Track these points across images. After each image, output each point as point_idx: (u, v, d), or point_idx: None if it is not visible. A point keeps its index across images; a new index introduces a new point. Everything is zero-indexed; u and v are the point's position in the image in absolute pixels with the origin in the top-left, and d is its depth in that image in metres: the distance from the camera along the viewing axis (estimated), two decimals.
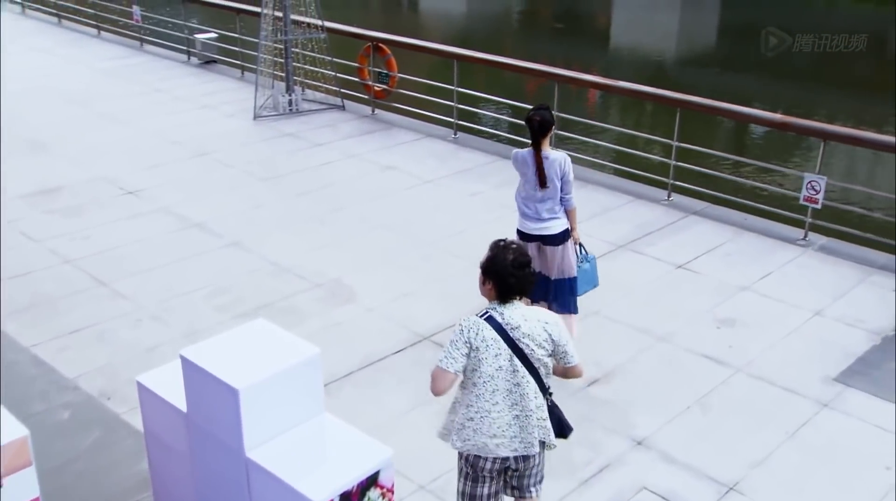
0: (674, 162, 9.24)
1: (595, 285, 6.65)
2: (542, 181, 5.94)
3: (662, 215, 8.93)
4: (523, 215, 6.18)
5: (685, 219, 8.88)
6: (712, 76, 23.67)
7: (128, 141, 11.03)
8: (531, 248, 6.03)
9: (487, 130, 11.17)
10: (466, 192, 9.48)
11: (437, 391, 3.88)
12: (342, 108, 12.33)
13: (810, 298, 7.33)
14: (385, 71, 11.87)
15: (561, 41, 27.42)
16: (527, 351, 3.89)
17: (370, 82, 12.10)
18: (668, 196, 9.30)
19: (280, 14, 11.83)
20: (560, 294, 6.32)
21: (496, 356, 3.86)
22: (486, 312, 3.92)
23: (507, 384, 3.91)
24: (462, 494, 4.15)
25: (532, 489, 4.19)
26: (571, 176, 6.05)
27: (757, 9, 31.07)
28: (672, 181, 9.27)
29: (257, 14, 12.23)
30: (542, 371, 3.98)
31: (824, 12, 30.81)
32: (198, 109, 12.37)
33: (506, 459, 4.00)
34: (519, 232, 6.21)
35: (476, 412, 3.94)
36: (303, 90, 12.83)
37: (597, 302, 7.20)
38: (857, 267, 7.88)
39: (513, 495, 4.24)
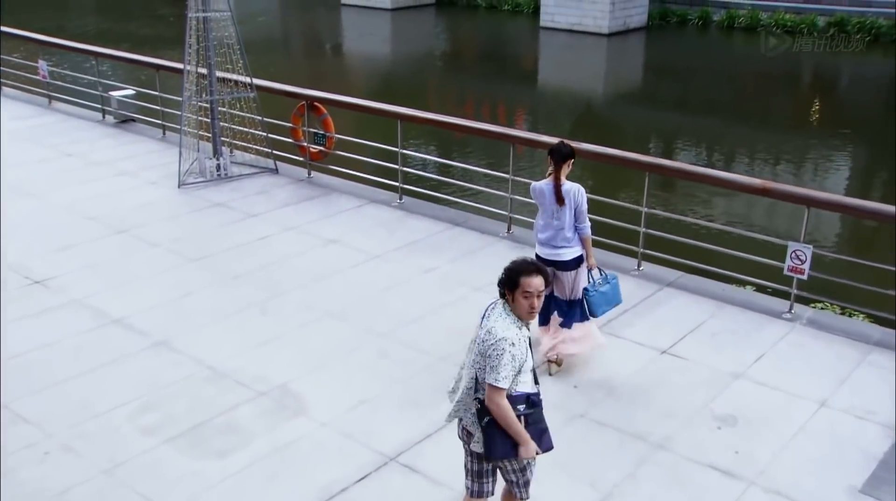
0: (643, 229, 8.51)
1: (618, 302, 6.97)
2: (559, 198, 6.49)
3: (635, 289, 8.16)
4: (540, 242, 6.74)
5: (660, 292, 8.14)
6: (639, 113, 23.93)
7: (35, 217, 9.82)
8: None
9: (437, 195, 10.27)
10: (420, 268, 8.57)
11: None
12: (275, 171, 11.33)
13: (811, 385, 6.63)
14: (321, 131, 10.93)
15: (489, 82, 27.00)
16: (471, 345, 4.39)
17: (305, 143, 11.14)
18: (639, 266, 8.56)
19: (204, 71, 10.82)
20: (572, 313, 6.79)
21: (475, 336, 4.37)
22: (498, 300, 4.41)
23: (469, 360, 4.39)
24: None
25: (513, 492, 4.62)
26: (585, 206, 6.58)
27: (679, 50, 31.44)
28: (642, 250, 8.53)
29: (179, 71, 11.18)
30: (476, 369, 4.31)
31: (744, 53, 31.23)
32: (115, 177, 11.20)
33: (462, 428, 4.49)
34: (537, 256, 6.62)
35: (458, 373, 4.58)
36: (231, 152, 11.81)
37: (580, 402, 6.40)
38: (853, 344, 7.22)
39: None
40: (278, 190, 10.75)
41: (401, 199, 10.37)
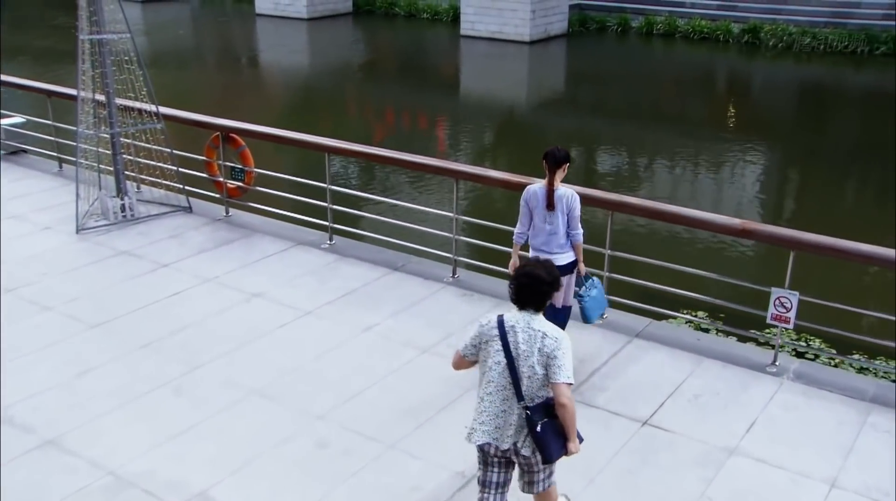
0: (607, 274, 7.56)
1: (606, 305, 7.00)
2: (550, 202, 6.31)
3: (602, 342, 7.21)
4: (533, 247, 6.54)
5: (629, 345, 7.19)
6: (563, 119, 23.59)
7: None
8: None
9: (371, 235, 9.11)
10: (358, 325, 7.43)
11: (454, 367, 4.71)
12: (189, 210, 10.01)
13: (815, 460, 5.75)
14: (239, 166, 9.67)
15: (411, 91, 25.98)
16: (515, 356, 4.27)
17: (221, 179, 9.86)
18: (603, 315, 7.59)
19: (103, 98, 9.44)
20: (563, 320, 6.56)
21: (496, 351, 4.32)
22: (504, 313, 4.43)
23: (502, 379, 4.32)
24: (477, 478, 4.66)
25: (534, 488, 4.57)
26: (578, 212, 6.40)
27: (600, 56, 30.97)
28: (608, 297, 7.56)
29: (73, 97, 9.77)
30: (524, 381, 4.28)
31: (663, 57, 31.04)
32: (2, 221, 9.71)
33: (507, 449, 4.38)
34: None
35: (477, 399, 4.46)
36: (138, 188, 10.44)
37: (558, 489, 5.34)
38: (849, 403, 6.39)
39: (522, 489, 4.63)
40: (193, 233, 9.45)
41: (331, 240, 9.19)
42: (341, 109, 24.37)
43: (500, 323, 4.34)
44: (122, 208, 9.68)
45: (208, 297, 7.94)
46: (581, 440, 4.49)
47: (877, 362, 6.96)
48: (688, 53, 30.91)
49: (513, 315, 4.37)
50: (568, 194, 6.39)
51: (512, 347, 4.27)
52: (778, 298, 6.70)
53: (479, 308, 7.74)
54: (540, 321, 4.33)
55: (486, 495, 4.56)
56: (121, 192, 9.76)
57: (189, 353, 6.95)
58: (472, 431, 4.42)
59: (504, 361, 4.28)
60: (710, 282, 8.01)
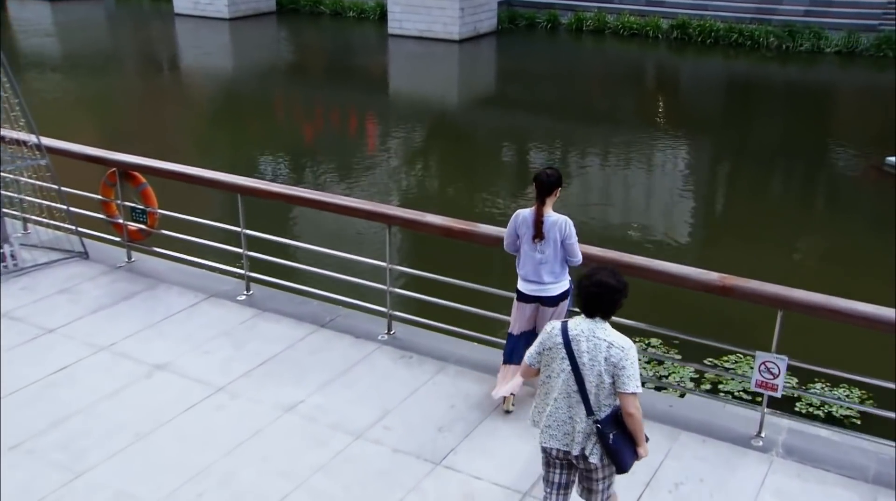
0: None
1: None
2: (539, 232, 5.84)
3: None
4: (521, 276, 6.05)
5: None
6: (493, 117, 23.09)
7: None
8: (528, 309, 6.09)
9: (295, 286, 7.85)
10: (279, 404, 6.22)
11: (524, 378, 4.91)
12: (84, 255, 8.62)
13: None
14: (140, 206, 8.32)
15: (339, 93, 24.69)
16: (580, 366, 4.19)
17: (121, 220, 8.49)
18: None
19: None
20: None
21: (561, 359, 4.25)
22: (567, 320, 4.34)
23: (567, 387, 4.25)
24: (542, 476, 4.60)
25: (593, 497, 4.45)
26: (574, 238, 5.90)
27: (531, 53, 30.09)
28: None
29: None
30: (591, 390, 4.19)
31: (591, 53, 30.35)
32: None
33: (567, 452, 4.31)
34: (518, 292, 6.10)
35: (541, 402, 4.42)
36: (26, 229, 9.00)
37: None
38: (851, 485, 5.45)
39: (581, 495, 4.52)
40: (88, 285, 8.07)
41: (248, 291, 7.94)
42: (268, 113, 22.94)
43: (565, 331, 4.26)
44: (3, 258, 8.26)
45: (101, 372, 6.61)
46: (647, 439, 4.39)
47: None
48: (618, 50, 30.26)
49: (577, 323, 4.28)
50: (561, 220, 5.84)
51: (577, 356, 4.20)
52: (763, 363, 5.73)
53: (420, 374, 6.62)
54: (605, 330, 4.22)
55: (549, 493, 4.53)
56: (0, 238, 8.33)
57: (72, 454, 5.65)
58: (541, 433, 4.40)
59: (569, 368, 4.22)
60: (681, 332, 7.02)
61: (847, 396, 9.89)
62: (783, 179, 18.80)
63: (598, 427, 4.20)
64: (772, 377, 5.71)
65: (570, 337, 4.23)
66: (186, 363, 6.74)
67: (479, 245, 6.62)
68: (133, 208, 8.36)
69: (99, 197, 8.56)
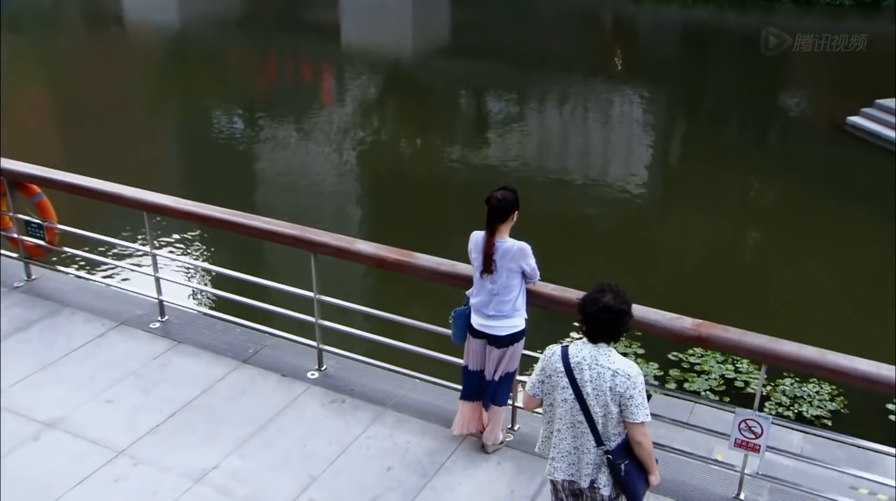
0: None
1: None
2: (487, 267, 4.99)
3: (512, 482, 5.24)
4: (473, 307, 5.19)
5: (546, 488, 5.24)
6: (448, 66, 22.46)
7: None
8: (477, 345, 5.25)
9: (214, 314, 6.77)
10: (189, 471, 5.23)
11: (527, 408, 4.47)
12: None
13: None
14: (37, 220, 7.16)
15: (291, 44, 23.33)
16: (585, 396, 3.88)
17: (15, 235, 7.33)
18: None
19: None
20: (496, 395, 5.31)
21: (563, 388, 3.94)
22: (568, 344, 3.99)
23: (571, 417, 3.95)
24: None
25: None
26: (532, 262, 5.05)
27: (485, 7, 28.73)
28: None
29: None
30: (598, 421, 3.89)
31: (548, 3, 29.07)
32: None
33: (573, 482, 4.05)
34: (469, 324, 5.25)
35: (545, 431, 4.14)
36: None
37: None
38: None
39: None
40: None
41: (163, 316, 6.89)
42: (222, 63, 21.65)
43: (565, 357, 3.95)
44: None
45: None
46: (657, 461, 4.08)
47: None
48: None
49: (578, 348, 3.96)
50: (514, 248, 4.98)
51: (579, 384, 3.90)
52: (743, 421, 4.86)
53: (354, 424, 5.66)
54: (609, 357, 3.90)
55: None
56: None
57: None
58: (548, 464, 4.11)
59: (572, 398, 3.92)
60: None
61: (817, 393, 9.20)
62: (736, 137, 18.06)
63: (609, 458, 3.92)
64: (753, 436, 4.84)
65: (572, 365, 3.91)
66: (84, 418, 5.71)
67: (415, 278, 5.60)
68: (28, 222, 7.21)
69: None
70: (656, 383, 9.18)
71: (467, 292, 5.25)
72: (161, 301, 6.82)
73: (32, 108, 19.08)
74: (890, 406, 8.82)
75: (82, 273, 7.30)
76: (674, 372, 9.39)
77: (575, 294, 5.11)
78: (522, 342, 5.21)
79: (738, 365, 9.48)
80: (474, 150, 16.74)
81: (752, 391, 9.04)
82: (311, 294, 6.03)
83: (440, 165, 15.68)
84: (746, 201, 15.11)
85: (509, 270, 5.00)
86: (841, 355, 4.52)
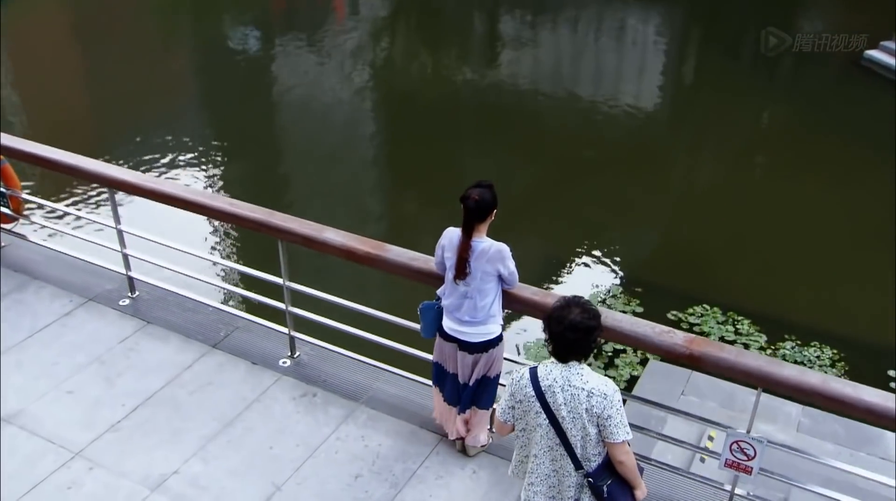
0: None
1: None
2: (460, 272, 4.40)
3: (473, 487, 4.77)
4: (445, 309, 4.61)
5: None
6: None
7: None
8: (447, 348, 4.66)
9: (186, 294, 6.19)
10: (146, 478, 4.79)
11: (500, 434, 3.89)
12: None
13: None
14: (1, 189, 6.57)
15: None
16: (559, 419, 3.52)
17: None
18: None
19: None
20: (477, 399, 4.77)
21: (537, 413, 3.57)
22: (536, 365, 3.63)
23: (548, 441, 3.61)
24: None
25: None
26: (511, 266, 4.46)
27: None
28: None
29: None
30: (576, 444, 3.54)
31: None
32: None
33: None
34: (439, 326, 4.69)
35: (520, 454, 3.81)
36: None
37: None
38: None
39: None
40: None
41: (133, 292, 6.37)
42: None
43: (535, 380, 3.56)
44: None
45: None
46: (642, 470, 3.76)
47: None
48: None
49: (548, 370, 3.56)
50: (491, 250, 4.40)
51: (553, 409, 3.52)
52: (736, 442, 4.32)
53: (324, 423, 5.19)
54: (581, 376, 3.52)
55: None
56: None
57: None
58: (524, 489, 3.78)
59: (546, 423, 3.55)
60: None
61: (818, 357, 8.65)
62: (749, 68, 16.99)
63: (589, 481, 3.60)
64: (746, 458, 4.31)
65: (543, 388, 3.53)
66: (42, 412, 5.26)
67: (385, 273, 5.01)
68: None
69: None
70: (629, 393, 8.69)
71: (438, 292, 4.68)
72: (130, 277, 6.28)
73: (46, 22, 18.48)
74: (891, 373, 8.29)
75: (53, 244, 6.71)
76: None
77: (556, 299, 4.53)
78: (501, 346, 4.67)
79: (738, 327, 8.94)
80: (488, 68, 16.07)
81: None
82: (279, 281, 5.46)
83: (451, 82, 15.11)
84: (754, 131, 14.28)
85: (484, 272, 4.42)
86: (845, 382, 3.95)
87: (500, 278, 4.50)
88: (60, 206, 6.36)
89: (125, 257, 6.19)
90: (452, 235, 4.52)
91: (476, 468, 4.91)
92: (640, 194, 12.10)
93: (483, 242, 4.43)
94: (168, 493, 4.71)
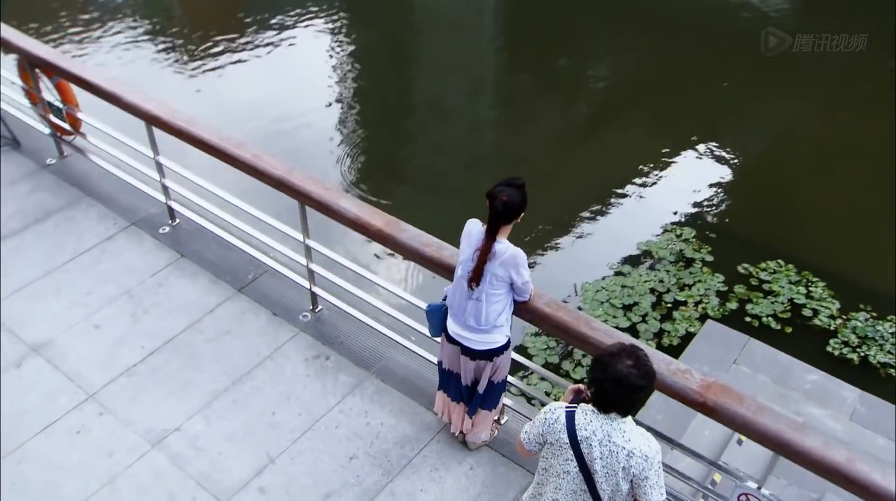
0: None
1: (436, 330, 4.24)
2: (476, 278, 3.79)
3: None
4: (451, 310, 4.04)
5: None
6: None
7: None
8: (451, 350, 4.14)
9: (221, 235, 5.77)
10: (149, 431, 4.61)
11: (520, 454, 3.41)
12: (15, 144, 6.75)
13: None
14: (58, 104, 6.23)
15: None
16: (592, 472, 3.08)
17: (42, 113, 6.47)
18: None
19: None
20: (484, 402, 4.27)
21: (566, 460, 3.13)
22: (574, 409, 3.10)
23: (573, 486, 3.18)
24: None
25: None
26: (526, 277, 3.82)
27: None
28: None
29: None
30: (604, 497, 3.11)
31: None
32: None
33: None
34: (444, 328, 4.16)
35: (535, 490, 3.37)
36: None
37: None
38: None
39: None
40: (5, 194, 6.30)
41: (173, 220, 6.03)
42: None
43: (571, 426, 3.08)
44: None
45: None
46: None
47: None
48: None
49: (588, 419, 3.07)
50: (507, 255, 3.77)
51: (587, 461, 3.07)
52: (744, 494, 3.65)
53: (331, 391, 4.83)
54: (624, 433, 3.02)
55: None
56: None
57: None
58: None
59: (576, 470, 3.12)
60: None
61: (893, 334, 7.59)
62: None
63: None
64: None
65: (579, 438, 3.06)
66: (68, 345, 5.12)
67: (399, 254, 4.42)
68: (50, 104, 6.30)
69: (20, 84, 6.49)
70: (716, 301, 7.85)
71: (445, 289, 4.07)
72: (170, 207, 5.93)
73: None
74: None
75: (106, 164, 6.39)
76: (739, 289, 7.96)
77: (570, 316, 3.85)
78: (507, 353, 4.09)
79: (811, 290, 7.93)
80: None
81: (819, 323, 7.56)
82: (300, 237, 4.96)
83: None
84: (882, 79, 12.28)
85: (494, 275, 3.80)
86: (874, 465, 3.16)
87: (512, 287, 3.85)
88: (110, 129, 5.94)
89: (164, 186, 5.81)
90: (473, 229, 3.89)
91: (474, 463, 4.46)
92: (737, 120, 10.81)
93: (500, 243, 3.79)
94: (166, 451, 4.51)
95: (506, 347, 4.04)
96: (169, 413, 4.71)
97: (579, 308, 7.83)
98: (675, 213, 9.11)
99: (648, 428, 3.33)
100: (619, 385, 2.92)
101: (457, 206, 8.50)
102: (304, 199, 4.66)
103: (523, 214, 3.78)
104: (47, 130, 6.64)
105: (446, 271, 4.13)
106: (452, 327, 4.07)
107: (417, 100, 11.73)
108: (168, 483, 4.35)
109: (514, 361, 4.29)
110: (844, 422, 6.54)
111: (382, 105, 11.31)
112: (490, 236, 3.77)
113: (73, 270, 5.66)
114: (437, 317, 4.15)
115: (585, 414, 3.09)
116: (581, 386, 3.33)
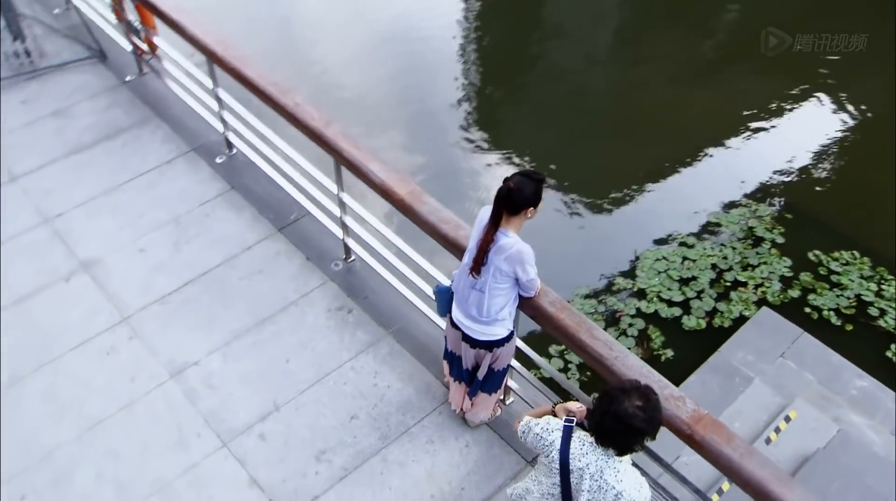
0: None
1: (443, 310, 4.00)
2: (476, 265, 3.52)
3: None
4: (456, 297, 3.79)
5: None
6: None
7: None
8: (453, 334, 3.90)
9: (268, 173, 5.61)
10: (171, 362, 4.66)
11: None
12: (101, 56, 6.76)
13: None
14: (137, 25, 6.13)
15: None
16: (573, 498, 2.88)
17: (125, 30, 6.41)
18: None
19: None
20: (485, 386, 4.04)
21: (553, 484, 2.94)
22: (572, 430, 2.89)
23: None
24: None
25: None
26: (532, 274, 3.50)
27: None
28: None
29: None
30: None
31: None
32: None
33: None
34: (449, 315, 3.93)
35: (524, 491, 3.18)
36: (68, 5, 7.12)
37: None
38: None
39: None
40: (84, 106, 6.36)
41: (230, 149, 5.92)
42: None
43: (564, 454, 2.85)
44: (18, 55, 6.59)
45: (25, 261, 5.22)
46: None
47: None
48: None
49: (584, 450, 2.85)
50: (512, 249, 3.45)
51: (573, 490, 2.87)
52: None
53: (347, 347, 4.72)
54: (617, 472, 2.79)
55: None
56: (17, 34, 6.58)
57: None
58: None
59: (559, 492, 2.93)
60: None
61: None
62: None
63: None
64: None
65: (571, 467, 2.85)
66: (114, 265, 5.19)
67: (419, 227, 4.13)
68: (130, 23, 6.22)
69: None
70: (779, 286, 7.22)
71: (454, 272, 3.79)
72: (226, 137, 5.82)
73: None
74: None
75: (176, 88, 6.31)
76: (804, 277, 7.27)
77: (573, 319, 3.51)
78: (510, 344, 3.81)
79: (883, 288, 7.15)
80: None
81: (884, 325, 6.84)
82: (334, 190, 4.75)
83: None
84: None
85: (497, 269, 3.51)
86: None
87: (518, 283, 3.54)
88: (178, 55, 5.82)
89: (222, 118, 5.69)
90: (484, 215, 3.58)
91: (471, 441, 4.28)
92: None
93: (508, 237, 3.48)
94: (183, 384, 4.55)
95: (507, 339, 3.77)
96: (191, 347, 4.73)
97: (635, 275, 7.39)
98: (760, 183, 8.35)
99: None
100: (619, 422, 2.70)
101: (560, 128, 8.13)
102: (336, 155, 4.42)
103: (535, 210, 3.43)
104: (129, 48, 6.63)
105: (459, 251, 3.85)
106: (456, 313, 3.82)
107: (546, 23, 11.14)
108: (179, 415, 4.41)
109: (518, 349, 4.02)
110: (886, 436, 5.96)
111: (509, 29, 10.80)
112: (493, 224, 3.46)
113: (130, 190, 5.70)
114: (444, 298, 3.91)
115: (582, 445, 2.89)
116: (575, 409, 3.05)
